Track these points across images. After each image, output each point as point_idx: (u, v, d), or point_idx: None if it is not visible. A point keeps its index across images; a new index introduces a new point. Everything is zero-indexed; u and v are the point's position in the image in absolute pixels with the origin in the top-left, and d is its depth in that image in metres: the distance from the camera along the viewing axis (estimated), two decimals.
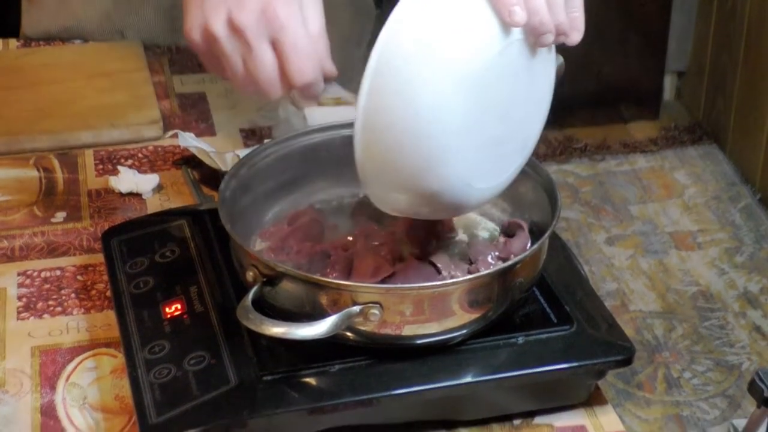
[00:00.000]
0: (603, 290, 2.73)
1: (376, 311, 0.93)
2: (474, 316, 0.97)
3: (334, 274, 1.02)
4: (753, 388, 1.64)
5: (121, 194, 1.30)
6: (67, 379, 1.04)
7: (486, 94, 0.91)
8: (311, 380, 0.96)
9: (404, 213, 1.01)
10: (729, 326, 2.64)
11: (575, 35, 0.95)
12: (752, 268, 2.83)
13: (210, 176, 1.31)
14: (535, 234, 1.07)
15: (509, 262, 0.98)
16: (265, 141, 1.16)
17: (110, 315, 1.09)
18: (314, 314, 0.94)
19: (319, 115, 1.33)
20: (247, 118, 1.46)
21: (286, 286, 0.96)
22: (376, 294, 0.94)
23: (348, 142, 1.11)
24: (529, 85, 0.96)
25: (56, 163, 1.36)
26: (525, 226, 1.08)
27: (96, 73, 1.52)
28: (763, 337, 2.61)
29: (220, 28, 0.96)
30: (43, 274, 1.17)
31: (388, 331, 0.95)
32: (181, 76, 1.56)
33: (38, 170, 1.35)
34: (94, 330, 1.10)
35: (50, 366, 1.05)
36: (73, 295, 1.14)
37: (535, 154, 1.04)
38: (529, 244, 1.06)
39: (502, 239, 1.09)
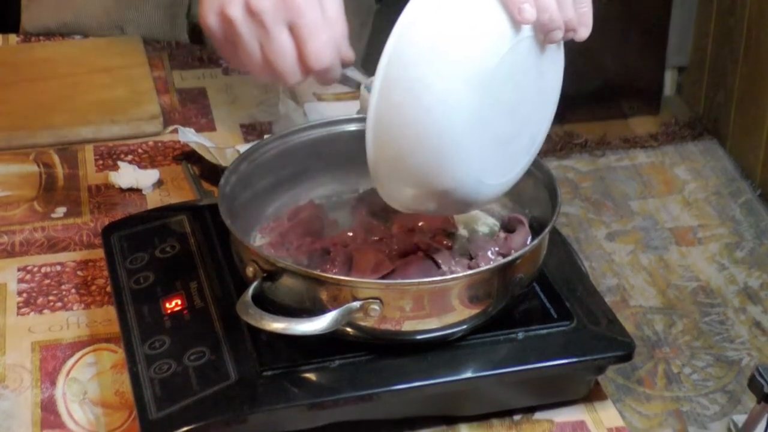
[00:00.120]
0: (603, 286, 2.73)
1: (376, 307, 0.93)
2: (474, 311, 0.97)
3: (334, 270, 1.02)
4: (753, 383, 1.64)
5: (121, 190, 1.30)
6: (67, 375, 1.04)
7: (496, 92, 0.91)
8: (311, 375, 0.96)
9: (413, 209, 1.01)
10: (729, 322, 2.64)
11: (584, 31, 0.96)
12: (752, 264, 2.83)
13: (210, 171, 1.31)
14: (536, 229, 1.07)
15: (509, 258, 0.98)
16: (265, 136, 1.16)
17: (110, 310, 1.09)
18: (314, 310, 0.94)
19: (319, 111, 1.33)
20: (247, 114, 1.46)
21: (286, 281, 0.96)
22: (377, 289, 0.94)
23: (348, 137, 1.12)
24: (539, 82, 0.97)
25: (56, 159, 1.36)
26: (525, 221, 1.08)
27: (96, 69, 1.51)
28: (763, 333, 2.61)
29: (237, 13, 0.95)
30: (43, 270, 1.17)
31: (388, 326, 0.95)
32: (181, 72, 1.56)
33: (38, 166, 1.35)
34: (94, 325, 1.10)
35: (50, 361, 1.05)
36: (73, 290, 1.14)
37: None
38: (529, 240, 1.06)
39: (502, 235, 1.09)
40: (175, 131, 1.39)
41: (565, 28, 0.94)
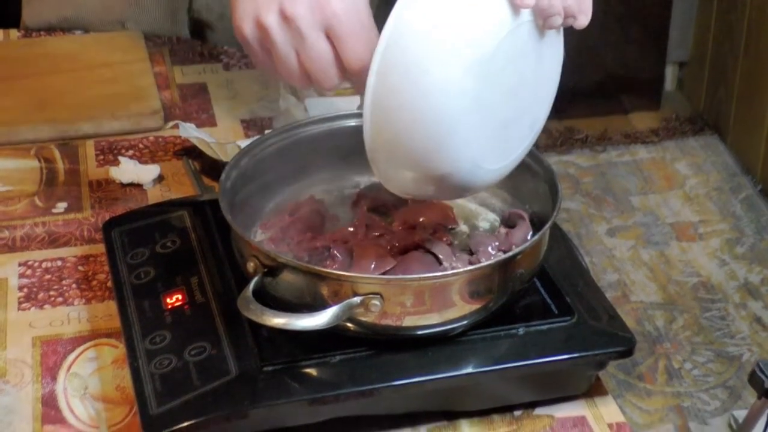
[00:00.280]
0: (604, 281, 2.73)
1: (376, 302, 0.93)
2: (475, 307, 0.97)
3: (334, 266, 1.02)
4: (753, 379, 1.64)
5: (122, 185, 1.30)
6: (68, 370, 1.04)
7: (495, 76, 0.91)
8: (312, 371, 0.96)
9: (412, 193, 1.01)
10: (730, 317, 2.64)
11: (583, 18, 0.95)
12: (753, 259, 2.83)
13: (211, 167, 1.31)
14: (536, 225, 1.07)
15: (510, 253, 0.98)
16: (266, 132, 1.16)
17: (111, 305, 1.09)
18: (315, 305, 0.94)
19: (320, 106, 1.33)
20: (248, 109, 1.46)
21: (287, 276, 0.96)
22: (377, 285, 0.94)
23: (349, 132, 1.12)
24: (537, 67, 0.96)
25: (57, 154, 1.36)
26: (526, 216, 1.08)
27: (97, 64, 1.51)
28: (763, 328, 2.61)
29: (272, 20, 0.95)
30: (44, 265, 1.17)
31: (389, 322, 0.95)
32: (181, 67, 1.56)
33: (39, 160, 1.35)
34: (95, 320, 1.10)
35: (51, 356, 1.05)
36: (74, 285, 1.14)
37: (536, 144, 1.04)
38: (530, 235, 1.06)
39: (503, 230, 1.09)
40: (176, 126, 1.39)
41: (564, 14, 0.94)
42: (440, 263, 1.03)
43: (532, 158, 1.08)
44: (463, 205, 1.14)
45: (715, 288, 2.73)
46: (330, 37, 0.95)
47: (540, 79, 0.98)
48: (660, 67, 3.47)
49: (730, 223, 2.97)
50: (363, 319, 0.95)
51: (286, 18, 0.94)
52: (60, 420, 0.99)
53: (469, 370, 0.97)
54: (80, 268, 1.17)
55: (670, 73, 3.53)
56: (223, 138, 1.36)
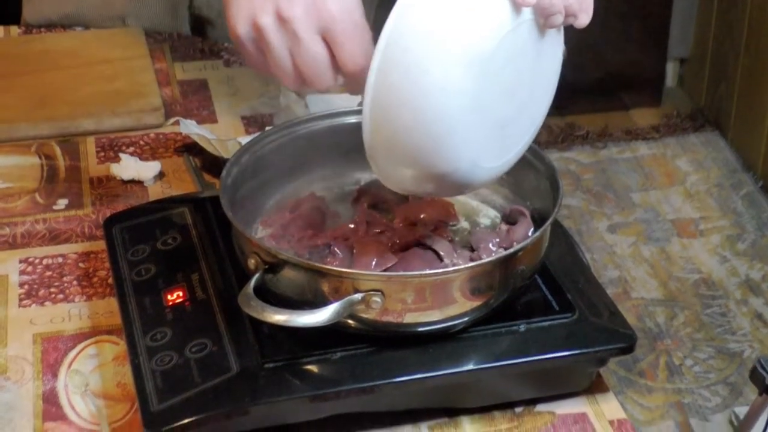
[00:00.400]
0: (605, 278, 2.73)
1: (377, 299, 0.93)
2: (476, 303, 0.97)
3: (335, 262, 1.02)
4: (755, 375, 1.64)
5: (123, 181, 1.30)
6: (69, 367, 1.04)
7: (494, 75, 0.91)
8: (313, 368, 0.96)
9: (410, 190, 1.01)
10: (731, 314, 2.64)
11: (584, 17, 0.95)
12: (754, 256, 2.83)
13: (211, 163, 1.31)
14: (537, 221, 1.07)
15: (511, 250, 0.98)
16: (267, 128, 1.16)
17: (112, 302, 1.09)
18: (316, 302, 0.94)
19: (320, 103, 1.33)
20: (249, 105, 1.46)
21: (288, 273, 0.96)
22: (378, 281, 0.94)
23: (350, 129, 1.12)
24: (537, 66, 0.96)
25: (58, 151, 1.36)
26: (527, 213, 1.08)
27: (97, 60, 1.51)
28: (764, 325, 2.61)
29: (268, 21, 0.95)
30: (44, 261, 1.17)
31: (390, 318, 0.95)
32: (182, 63, 1.56)
33: (40, 157, 1.35)
34: (95, 317, 1.10)
35: (52, 353, 1.05)
36: (74, 282, 1.14)
37: (537, 141, 1.04)
38: (531, 232, 1.06)
39: (504, 227, 1.09)
40: (177, 123, 1.39)
41: (565, 13, 0.93)
42: (441, 260, 1.03)
43: (533, 155, 1.08)
44: (464, 201, 1.14)
45: (716, 284, 2.73)
46: (325, 39, 0.95)
47: (539, 77, 0.98)
48: (661, 63, 3.47)
49: (731, 219, 2.97)
50: (364, 315, 0.95)
51: (282, 20, 0.95)
52: (61, 417, 0.99)
53: (470, 366, 0.97)
54: (81, 264, 1.17)
55: (671, 70, 3.53)
56: (223, 135, 1.36)
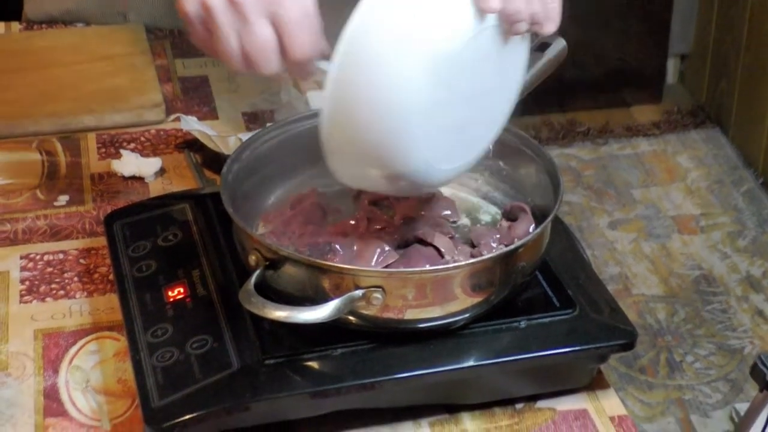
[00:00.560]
0: (605, 274, 2.73)
1: (378, 295, 0.93)
2: (476, 300, 0.97)
3: (336, 259, 1.02)
4: (755, 372, 1.64)
5: (124, 178, 1.30)
6: (70, 363, 1.04)
7: (454, 78, 0.91)
8: (313, 364, 0.96)
9: (365, 188, 1.01)
10: (731, 310, 2.64)
11: (550, 26, 0.96)
12: (755, 252, 2.83)
13: (212, 160, 1.31)
14: (538, 218, 1.07)
15: (512, 246, 0.98)
16: (268, 125, 1.16)
17: (113, 298, 1.09)
18: (317, 298, 0.94)
19: (321, 99, 1.33)
20: (250, 102, 1.46)
21: (289, 269, 0.96)
22: (379, 278, 0.94)
23: None
24: (500, 71, 0.97)
25: (59, 147, 1.36)
26: (528, 209, 1.08)
27: (98, 57, 1.51)
28: (765, 321, 2.61)
29: (217, 2, 0.95)
30: (45, 258, 1.17)
31: (391, 315, 0.95)
32: (183, 60, 1.56)
33: (41, 154, 1.35)
34: (96, 313, 1.10)
35: (53, 349, 1.05)
36: (75, 278, 1.14)
37: (538, 137, 1.05)
38: (532, 228, 1.06)
39: (505, 223, 1.09)
40: (178, 119, 1.39)
41: (530, 21, 0.94)
42: (442, 256, 1.03)
43: (533, 151, 1.08)
44: (464, 198, 1.14)
45: (717, 281, 2.73)
46: (274, 23, 0.94)
47: (502, 82, 0.99)
48: (662, 60, 3.47)
49: (732, 216, 2.97)
50: (365, 312, 0.95)
51: (231, 1, 0.94)
52: (62, 413, 0.99)
53: (471, 363, 0.97)
54: (82, 261, 1.17)
55: (672, 66, 3.52)
56: (224, 131, 1.36)
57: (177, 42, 1.59)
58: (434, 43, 0.89)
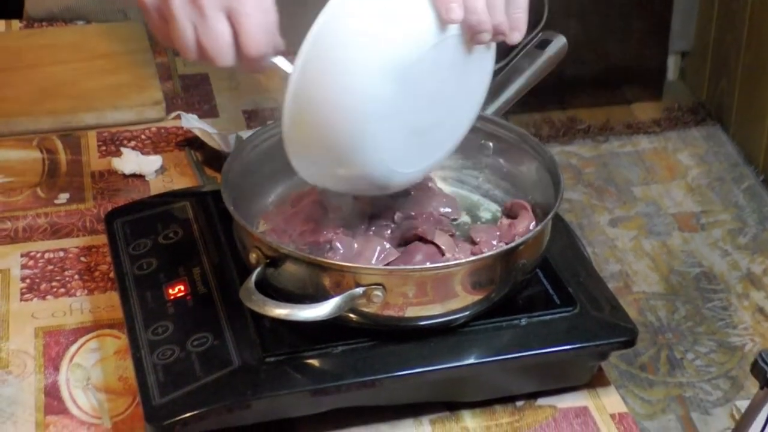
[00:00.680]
0: (606, 272, 2.73)
1: (379, 293, 0.93)
2: (477, 297, 0.97)
3: (336, 256, 1.02)
4: (756, 369, 1.63)
5: (125, 175, 1.30)
6: (70, 360, 1.04)
7: (415, 85, 0.92)
8: (314, 362, 0.96)
9: (327, 187, 1.02)
10: (732, 307, 2.64)
11: (515, 35, 0.96)
12: (755, 249, 2.83)
13: (213, 158, 1.31)
14: (538, 215, 1.07)
15: (512, 244, 0.98)
16: (268, 122, 1.16)
17: (113, 296, 1.09)
18: (317, 296, 0.94)
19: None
20: (250, 100, 1.46)
21: (290, 267, 0.96)
22: (379, 275, 0.94)
23: None
24: (463, 79, 0.98)
25: (59, 145, 1.36)
26: (528, 207, 1.08)
27: (98, 54, 1.51)
28: (766, 319, 2.61)
29: None
30: (46, 255, 1.17)
31: (391, 312, 0.95)
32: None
33: (41, 152, 1.35)
34: (97, 311, 1.10)
35: (54, 347, 1.05)
36: (76, 276, 1.14)
37: (538, 135, 1.05)
38: (532, 226, 1.06)
39: (505, 221, 1.09)
40: (178, 117, 1.39)
41: (494, 31, 0.94)
42: (442, 254, 1.03)
43: (534, 148, 1.08)
44: (465, 195, 1.14)
45: (718, 278, 2.73)
46: (230, 18, 0.95)
47: (465, 90, 0.99)
48: (662, 57, 3.46)
49: (733, 213, 2.97)
50: (365, 309, 0.95)
51: None
52: (63, 411, 0.99)
53: (471, 360, 0.97)
54: (82, 258, 1.17)
55: (673, 64, 3.52)
56: (225, 129, 1.36)
57: None
58: (396, 51, 0.90)
